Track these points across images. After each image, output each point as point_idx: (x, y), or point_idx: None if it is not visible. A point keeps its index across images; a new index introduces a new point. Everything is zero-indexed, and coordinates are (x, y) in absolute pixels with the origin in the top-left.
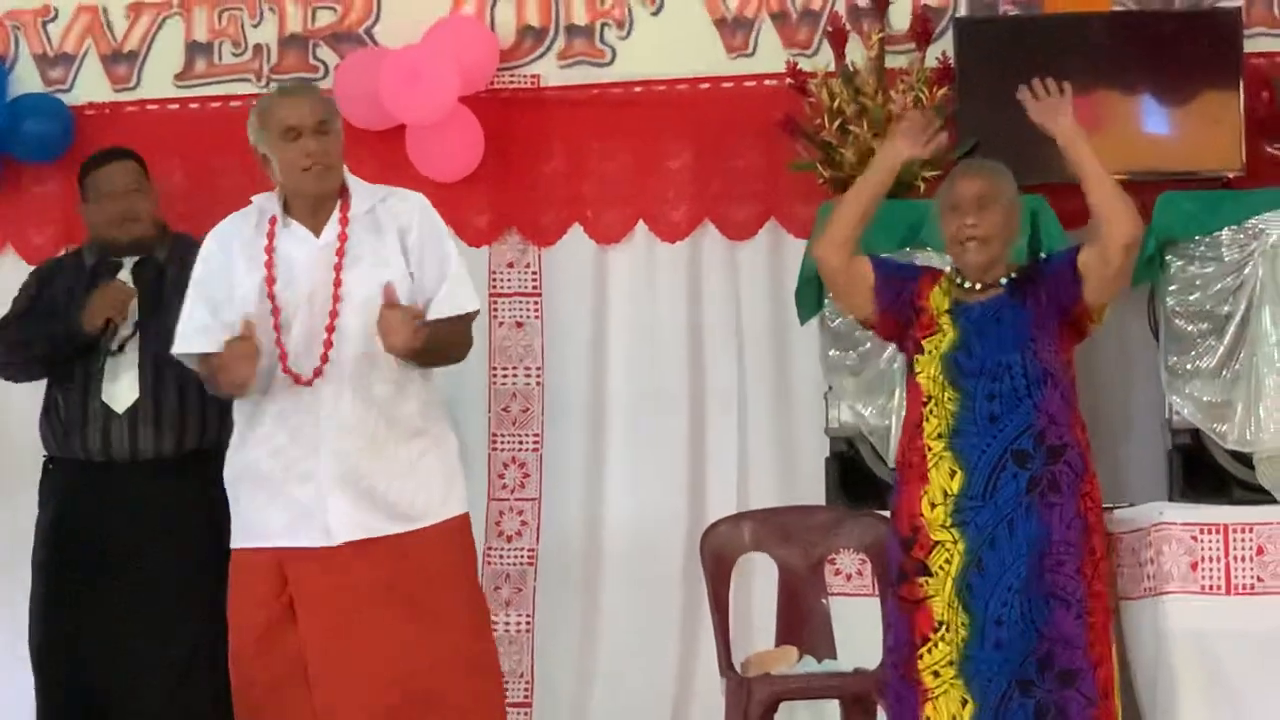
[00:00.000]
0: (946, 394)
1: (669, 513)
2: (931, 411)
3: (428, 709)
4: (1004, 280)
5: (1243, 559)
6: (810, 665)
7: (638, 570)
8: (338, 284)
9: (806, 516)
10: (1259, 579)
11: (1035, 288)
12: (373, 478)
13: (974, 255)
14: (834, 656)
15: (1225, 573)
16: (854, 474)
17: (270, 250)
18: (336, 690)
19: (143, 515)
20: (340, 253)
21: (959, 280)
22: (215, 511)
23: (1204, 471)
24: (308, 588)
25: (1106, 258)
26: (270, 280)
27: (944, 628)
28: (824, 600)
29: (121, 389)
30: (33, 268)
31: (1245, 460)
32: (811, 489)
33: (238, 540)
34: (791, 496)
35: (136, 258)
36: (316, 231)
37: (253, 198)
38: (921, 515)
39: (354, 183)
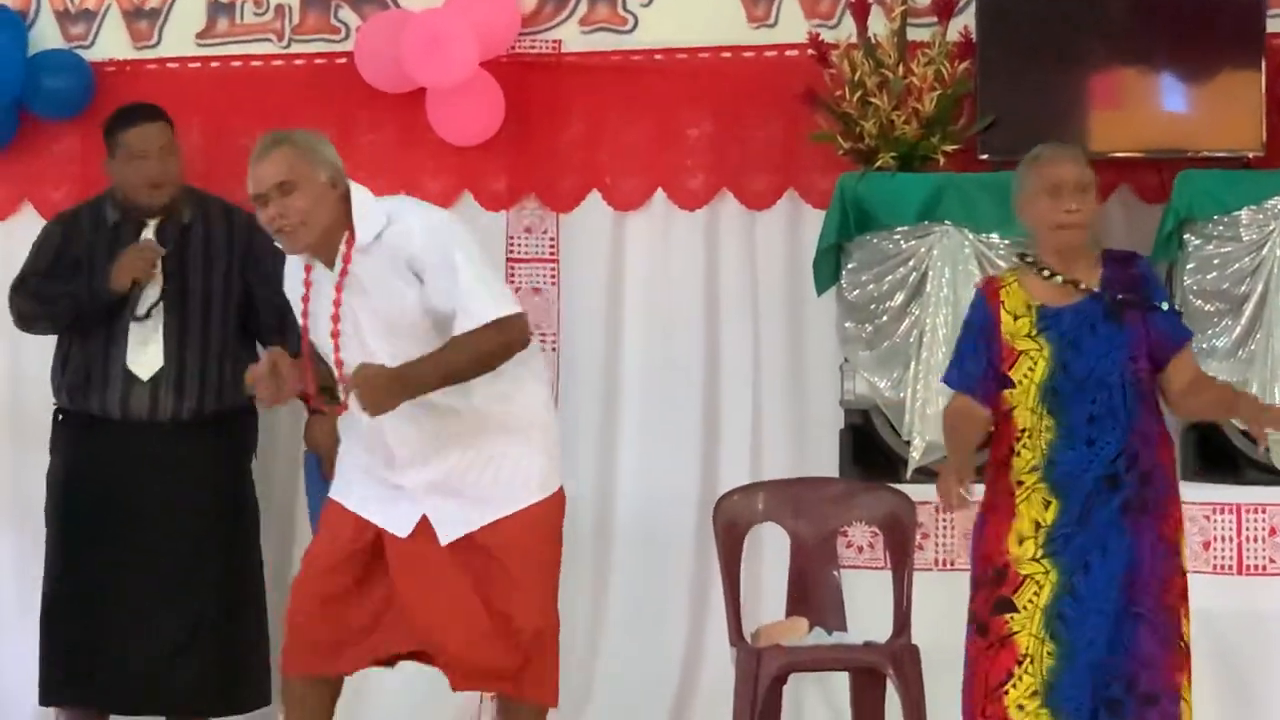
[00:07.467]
0: (1044, 423)
1: (682, 482)
2: (1025, 445)
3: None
4: (1097, 288)
5: (1255, 539)
6: (820, 637)
7: (649, 539)
8: (337, 304)
9: (819, 488)
10: (1271, 559)
11: (1137, 314)
12: (453, 479)
13: (1073, 237)
14: (844, 629)
15: (1237, 552)
16: (868, 446)
17: (307, 299)
18: (432, 614)
19: (156, 473)
20: (343, 277)
21: (1042, 272)
22: (230, 472)
23: (1218, 452)
24: (394, 548)
25: (1169, 398)
26: (305, 315)
27: (1028, 660)
28: (835, 572)
29: (148, 357)
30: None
31: None
32: (825, 461)
33: (337, 493)
34: (805, 468)
35: (160, 218)
36: (330, 265)
37: None
38: (1008, 553)
39: (358, 214)
